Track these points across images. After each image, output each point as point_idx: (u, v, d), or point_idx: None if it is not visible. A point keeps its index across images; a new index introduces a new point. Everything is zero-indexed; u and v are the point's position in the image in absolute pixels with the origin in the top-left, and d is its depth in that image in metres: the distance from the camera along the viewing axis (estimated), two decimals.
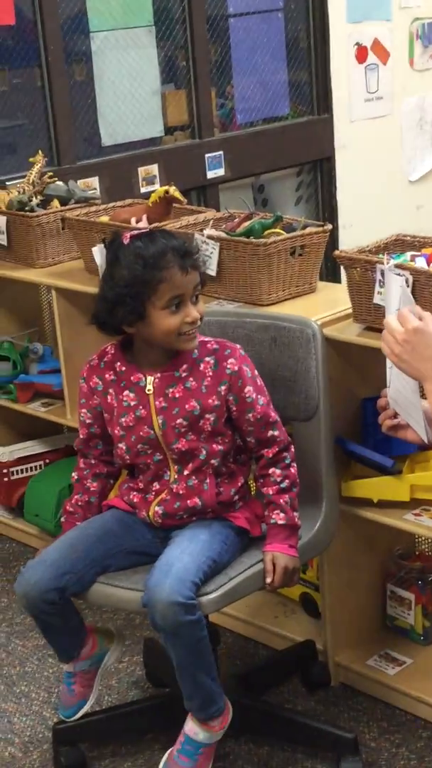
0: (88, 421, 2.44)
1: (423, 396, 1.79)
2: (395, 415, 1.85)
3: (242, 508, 2.43)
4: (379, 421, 1.88)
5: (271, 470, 2.40)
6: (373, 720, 2.71)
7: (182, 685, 2.30)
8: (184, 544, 2.30)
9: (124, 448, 2.38)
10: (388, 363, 1.84)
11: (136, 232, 2.34)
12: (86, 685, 2.49)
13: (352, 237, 4.61)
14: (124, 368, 2.37)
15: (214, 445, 2.36)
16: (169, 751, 2.36)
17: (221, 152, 4.42)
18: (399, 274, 1.91)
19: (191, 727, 2.33)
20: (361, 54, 4.82)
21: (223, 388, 2.34)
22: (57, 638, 2.45)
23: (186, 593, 2.18)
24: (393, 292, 1.85)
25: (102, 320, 2.34)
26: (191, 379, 2.34)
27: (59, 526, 2.56)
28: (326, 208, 4.96)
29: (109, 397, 2.39)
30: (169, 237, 2.33)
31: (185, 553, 2.26)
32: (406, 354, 1.70)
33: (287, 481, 2.40)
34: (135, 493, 2.43)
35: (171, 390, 2.34)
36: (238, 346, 2.39)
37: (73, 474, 2.51)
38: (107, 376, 2.39)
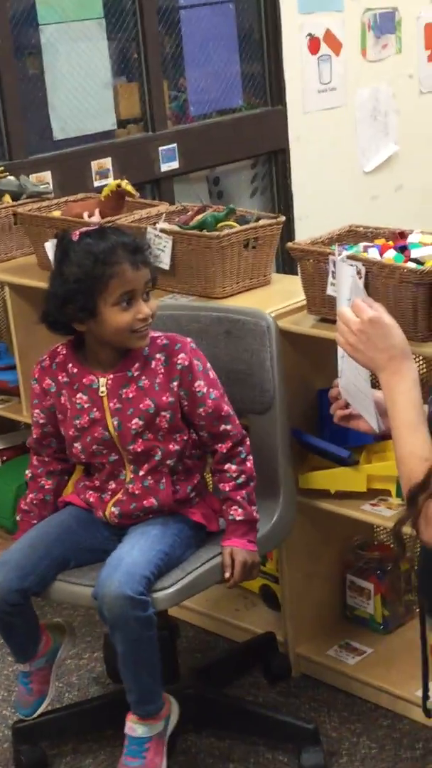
0: (41, 421, 2.43)
1: (375, 386, 1.80)
2: (347, 406, 1.86)
3: (199, 503, 2.43)
4: (330, 411, 1.88)
5: (226, 466, 2.39)
6: (333, 710, 2.72)
7: (123, 677, 2.31)
8: (134, 539, 2.30)
9: (79, 447, 2.36)
10: (340, 353, 1.84)
11: (85, 228, 2.32)
12: (43, 681, 2.49)
13: (308, 228, 4.61)
14: (76, 370, 2.35)
15: (171, 445, 2.35)
16: (120, 761, 2.35)
17: (175, 145, 4.40)
18: (351, 265, 1.91)
19: (129, 726, 2.32)
20: (314, 45, 4.81)
21: (175, 383, 2.33)
22: (16, 639, 2.44)
23: (135, 587, 2.18)
24: (344, 283, 1.85)
25: (52, 318, 2.32)
26: (143, 377, 2.33)
27: (17, 524, 2.54)
28: (281, 200, 4.96)
29: (62, 398, 2.37)
30: (119, 233, 2.32)
31: (135, 548, 2.26)
32: (361, 344, 1.71)
33: (243, 476, 2.39)
34: (91, 492, 2.42)
35: (124, 390, 2.32)
36: (188, 339, 2.38)
37: (27, 472, 2.49)
38: (60, 377, 2.37)
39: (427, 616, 1.79)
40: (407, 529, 1.64)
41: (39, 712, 2.50)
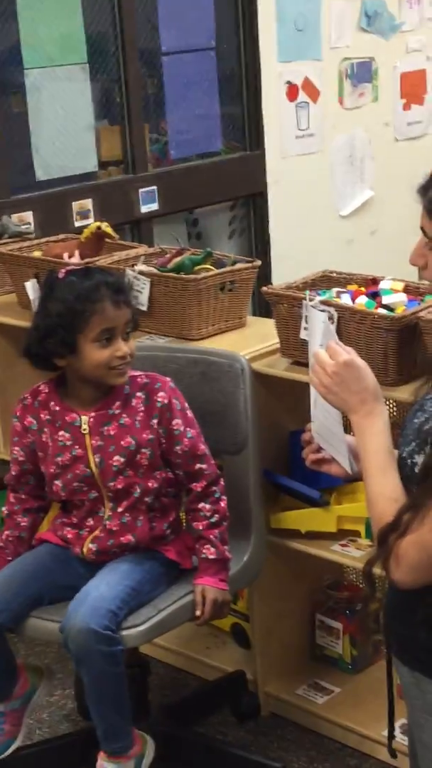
0: (21, 458, 2.46)
1: (348, 431, 1.84)
2: (319, 450, 1.90)
3: (174, 541, 2.47)
4: (303, 455, 1.92)
5: (200, 505, 2.43)
6: (302, 749, 2.74)
7: (90, 711, 2.33)
8: (104, 574, 2.34)
9: (60, 485, 2.40)
10: (312, 397, 1.89)
11: (72, 267, 2.38)
12: (16, 723, 2.49)
13: (285, 270, 4.68)
14: (58, 408, 2.39)
15: (150, 482, 2.39)
16: None
17: (155, 187, 4.47)
18: (322, 310, 1.96)
19: (100, 764, 2.34)
20: (292, 92, 4.90)
21: (155, 421, 2.37)
22: None
23: (100, 621, 2.21)
24: (316, 328, 1.90)
25: (34, 352, 2.36)
26: (124, 415, 2.37)
27: None
28: (259, 242, 5.03)
29: (43, 435, 2.41)
30: (104, 273, 2.39)
31: (103, 583, 2.30)
32: (336, 386, 1.75)
33: (217, 515, 2.43)
34: (69, 528, 2.45)
35: (106, 428, 2.36)
36: (168, 379, 2.44)
37: (3, 509, 2.53)
38: (42, 415, 2.41)
39: (393, 656, 1.82)
40: (377, 570, 1.68)
41: (8, 753, 2.50)
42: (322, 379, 1.76)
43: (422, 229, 1.67)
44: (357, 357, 1.77)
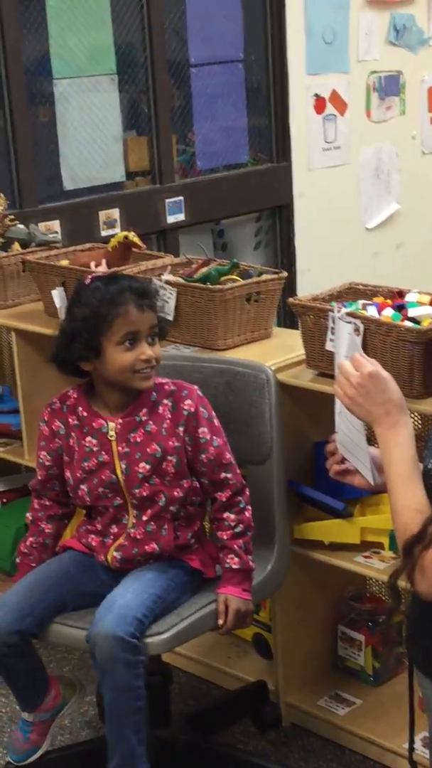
0: (47, 463, 2.48)
1: (371, 443, 1.85)
2: (343, 461, 1.90)
3: (197, 550, 2.47)
4: (327, 466, 1.93)
5: (225, 515, 2.44)
6: (323, 760, 2.74)
7: (107, 733, 2.31)
8: (129, 582, 2.35)
9: (85, 490, 2.41)
10: (337, 408, 1.89)
11: (98, 273, 2.41)
12: (42, 733, 2.50)
13: (310, 282, 4.70)
14: (85, 414, 2.41)
15: (175, 491, 2.39)
16: None
17: (181, 198, 4.50)
18: (348, 322, 1.97)
19: None
20: (320, 105, 4.92)
21: (181, 429, 2.38)
22: (18, 685, 2.47)
23: (127, 628, 2.21)
24: (342, 339, 1.91)
25: (60, 357, 2.38)
26: (151, 422, 2.38)
27: (15, 566, 2.59)
28: (285, 254, 5.05)
29: (71, 440, 2.43)
30: (129, 279, 2.42)
31: (129, 591, 2.30)
32: (360, 397, 1.75)
33: (241, 525, 2.44)
34: (93, 536, 2.46)
35: (132, 435, 2.38)
36: (195, 387, 2.44)
37: (28, 515, 2.54)
38: (70, 420, 2.43)
39: (416, 668, 1.82)
40: (402, 582, 1.68)
41: (30, 761, 2.51)
42: (346, 390, 1.77)
43: None
44: (381, 369, 1.78)
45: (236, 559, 2.42)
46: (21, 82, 4.01)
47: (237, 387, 2.62)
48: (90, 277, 2.41)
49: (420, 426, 2.73)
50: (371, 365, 1.76)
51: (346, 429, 1.86)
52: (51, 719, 2.52)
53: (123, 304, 2.31)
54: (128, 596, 2.29)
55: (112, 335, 2.31)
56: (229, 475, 2.43)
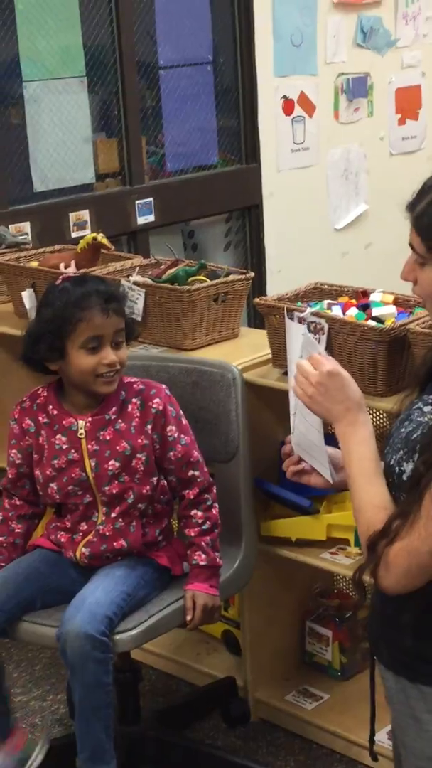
0: (18, 461, 2.50)
1: (329, 438, 1.87)
2: (300, 461, 1.92)
3: (165, 547, 2.50)
4: (283, 468, 1.95)
5: (192, 512, 2.47)
6: (290, 754, 2.78)
7: (77, 729, 2.33)
8: (99, 580, 2.37)
9: (55, 488, 2.44)
10: (292, 409, 1.91)
11: (70, 274, 2.43)
12: None
13: (280, 282, 4.73)
14: (56, 412, 2.44)
15: (144, 489, 2.42)
16: None
17: (151, 199, 4.52)
18: (304, 321, 1.98)
19: None
20: (288, 106, 4.96)
21: (149, 426, 2.41)
22: None
23: (98, 626, 2.24)
24: (293, 339, 1.91)
25: (28, 356, 2.41)
26: (120, 420, 2.41)
27: None
28: (254, 254, 5.07)
29: (40, 438, 2.45)
30: (98, 282, 2.43)
31: (99, 588, 2.33)
32: (320, 396, 1.76)
33: (209, 522, 2.47)
34: (62, 533, 2.48)
35: (102, 433, 2.40)
36: (163, 386, 2.48)
37: None
38: (40, 418, 2.45)
39: (378, 661, 1.85)
40: (366, 577, 1.71)
41: None
42: (306, 389, 1.78)
43: (411, 245, 1.70)
44: (340, 367, 1.80)
45: (203, 556, 2.45)
46: None
47: (204, 386, 2.66)
48: (61, 278, 2.44)
49: (386, 423, 2.77)
50: (330, 363, 1.78)
51: (303, 429, 1.88)
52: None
53: (88, 308, 2.33)
54: (98, 594, 2.32)
55: (76, 338, 2.34)
56: (196, 473, 2.47)
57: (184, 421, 2.47)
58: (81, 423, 2.41)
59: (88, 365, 2.34)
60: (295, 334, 1.85)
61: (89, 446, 2.40)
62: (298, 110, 4.99)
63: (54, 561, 2.48)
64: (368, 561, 1.65)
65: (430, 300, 1.73)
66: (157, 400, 2.43)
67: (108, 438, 2.40)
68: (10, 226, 3.77)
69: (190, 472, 2.46)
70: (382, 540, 1.63)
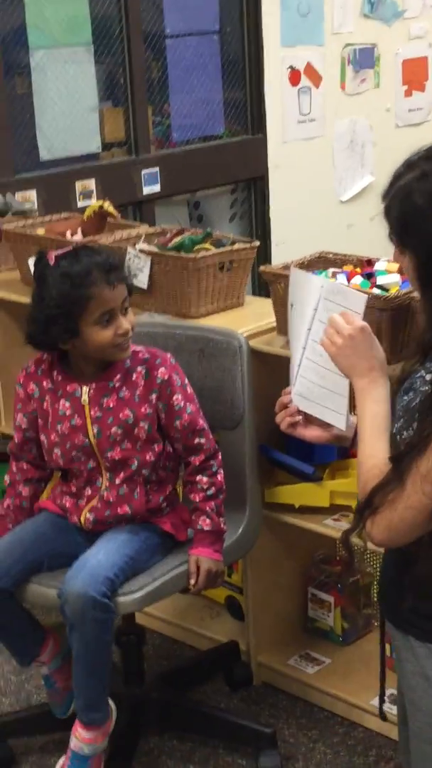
0: (24, 426, 2.52)
1: None
2: (297, 414, 1.95)
3: (169, 513, 2.53)
4: (277, 419, 1.98)
5: (198, 477, 2.49)
6: (292, 717, 2.82)
7: (74, 680, 2.39)
8: (102, 543, 2.41)
9: (59, 453, 2.46)
10: (296, 361, 1.93)
11: (60, 251, 2.40)
12: (67, 677, 2.50)
13: (285, 253, 4.72)
14: (60, 377, 2.46)
15: (147, 455, 2.44)
16: (59, 764, 2.43)
17: (157, 169, 4.52)
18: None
19: (75, 743, 2.39)
20: (295, 77, 4.95)
21: (153, 396, 2.43)
22: (10, 640, 2.52)
23: (98, 588, 2.27)
24: (308, 292, 1.91)
25: (37, 340, 2.42)
26: (124, 388, 2.43)
27: None
28: (259, 226, 5.08)
29: (45, 404, 2.47)
30: (92, 253, 2.39)
31: (101, 551, 2.36)
32: (349, 348, 1.79)
33: (213, 488, 2.49)
34: (67, 497, 2.51)
35: (105, 400, 2.42)
36: (168, 354, 2.49)
37: (6, 478, 2.59)
38: (44, 383, 2.47)
39: (387, 620, 1.88)
40: (357, 540, 1.74)
41: (73, 707, 2.48)
42: (336, 340, 1.81)
43: (390, 239, 1.74)
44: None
45: (208, 521, 2.48)
46: None
47: (210, 354, 2.68)
48: (53, 255, 2.39)
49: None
50: (362, 322, 1.81)
51: (315, 378, 1.90)
52: (67, 663, 2.49)
53: (94, 284, 2.32)
54: (100, 556, 2.35)
55: (89, 316, 2.34)
56: (202, 441, 2.49)
57: (190, 389, 2.49)
58: (85, 389, 2.43)
59: (104, 339, 2.35)
60: (308, 287, 1.87)
61: (92, 412, 2.42)
62: (304, 81, 4.99)
63: (60, 525, 2.51)
64: (356, 522, 1.69)
65: (414, 285, 1.75)
66: (162, 369, 2.44)
67: (111, 405, 2.42)
68: (16, 194, 3.78)
69: (196, 440, 2.48)
70: (366, 509, 1.66)
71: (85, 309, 2.33)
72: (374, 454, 1.71)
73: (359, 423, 1.77)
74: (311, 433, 1.93)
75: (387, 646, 2.34)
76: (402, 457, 1.64)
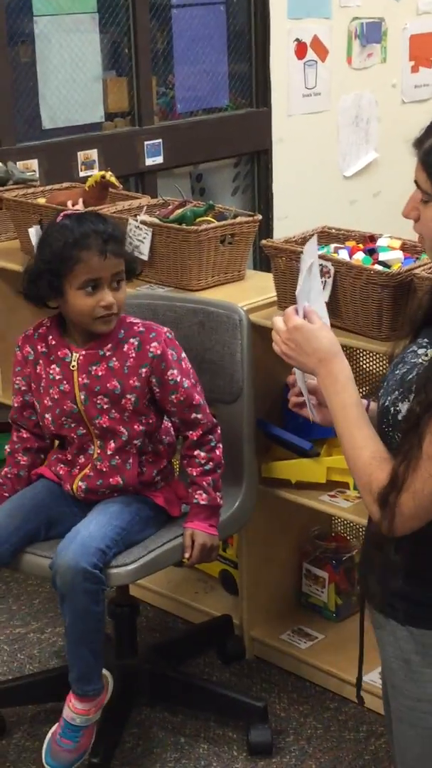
0: (23, 388, 2.52)
1: None
2: (301, 393, 1.94)
3: (163, 488, 2.52)
4: (288, 396, 1.97)
5: (195, 452, 2.48)
6: (284, 691, 2.83)
7: (67, 652, 2.38)
8: (93, 514, 2.40)
9: (49, 418, 2.46)
10: None
11: (71, 211, 2.41)
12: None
13: (287, 228, 4.70)
14: (54, 342, 2.45)
15: (136, 426, 2.43)
16: (51, 731, 2.41)
17: (160, 140, 4.50)
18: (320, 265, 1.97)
19: (68, 713, 2.39)
20: (301, 50, 4.91)
21: (144, 370, 2.41)
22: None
23: (89, 559, 2.27)
24: (314, 284, 1.90)
25: (26, 291, 2.42)
26: (114, 358, 2.42)
27: None
28: (262, 200, 5.06)
29: (38, 367, 2.47)
30: (97, 221, 2.39)
31: (92, 523, 2.36)
32: (292, 351, 1.78)
33: (211, 463, 2.49)
34: (62, 465, 2.51)
35: (94, 368, 2.41)
36: (164, 329, 2.47)
37: (6, 447, 2.59)
38: (39, 347, 2.47)
39: (368, 603, 1.87)
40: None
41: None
42: (281, 347, 1.80)
43: (416, 182, 1.69)
44: (316, 317, 1.77)
45: (204, 495, 2.47)
46: (1, 20, 3.98)
47: (210, 327, 2.66)
48: (62, 214, 2.42)
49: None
50: (297, 319, 1.77)
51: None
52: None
53: (86, 249, 2.32)
54: (92, 528, 2.35)
55: (74, 279, 2.33)
56: (199, 416, 2.47)
57: (186, 364, 2.47)
58: (75, 355, 2.42)
59: (85, 306, 2.35)
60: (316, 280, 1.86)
61: (80, 379, 2.41)
62: (310, 54, 4.95)
63: (57, 494, 2.50)
64: (383, 515, 1.64)
65: (431, 238, 1.72)
66: (155, 344, 2.41)
67: (100, 374, 2.41)
68: (18, 163, 3.75)
69: (193, 415, 2.47)
70: (393, 491, 1.63)
71: (71, 271, 2.32)
72: (363, 445, 1.68)
73: (333, 417, 1.73)
74: (317, 415, 1.91)
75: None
76: (416, 426, 1.61)
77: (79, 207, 3.10)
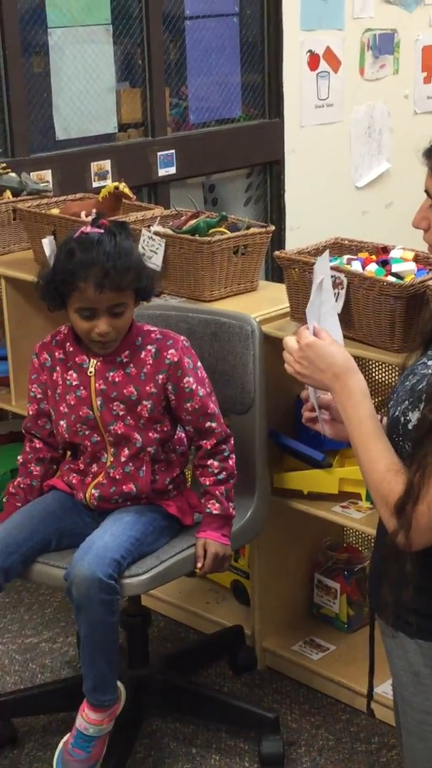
0: (38, 396, 2.53)
1: None
2: (314, 408, 1.94)
3: (176, 497, 2.52)
4: (302, 410, 1.97)
5: (209, 462, 2.49)
6: (295, 702, 2.82)
7: (81, 662, 2.39)
8: (108, 524, 2.41)
9: (64, 425, 2.47)
10: None
11: (90, 229, 2.39)
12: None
13: (299, 239, 4.72)
14: (72, 349, 2.47)
15: (151, 434, 2.44)
16: (63, 741, 2.42)
17: (173, 151, 4.52)
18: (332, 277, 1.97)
19: (81, 723, 2.39)
20: (313, 61, 4.93)
21: (161, 377, 2.43)
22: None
23: (105, 570, 2.28)
24: (327, 298, 1.90)
25: (39, 289, 2.45)
26: (132, 365, 2.43)
27: (1, 505, 2.64)
28: (274, 210, 5.07)
29: (55, 374, 2.48)
30: (109, 245, 2.33)
31: (107, 533, 2.36)
32: (305, 369, 1.78)
33: (224, 473, 2.49)
34: (75, 474, 2.51)
35: (111, 374, 2.43)
36: (182, 337, 2.48)
37: (19, 457, 2.60)
38: (56, 354, 2.49)
39: (378, 616, 1.86)
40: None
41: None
42: (293, 366, 1.79)
43: (426, 191, 1.70)
44: (326, 334, 1.77)
45: (217, 505, 2.47)
46: (16, 31, 4.01)
47: (222, 338, 2.67)
48: (82, 230, 2.40)
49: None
50: (309, 336, 1.76)
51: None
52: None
53: (83, 279, 2.32)
54: (106, 538, 2.35)
55: (72, 303, 2.37)
56: (213, 425, 2.48)
57: (201, 372, 2.48)
58: (92, 362, 2.43)
59: (81, 328, 2.38)
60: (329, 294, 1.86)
61: (97, 384, 2.42)
62: (323, 65, 4.97)
63: (69, 504, 2.51)
64: (399, 526, 1.63)
65: None
66: (172, 351, 2.43)
67: (117, 380, 2.42)
68: (31, 174, 3.77)
69: (207, 424, 2.48)
70: (409, 501, 1.62)
71: (69, 296, 2.36)
72: (378, 458, 1.67)
73: (349, 432, 1.73)
74: (330, 429, 1.91)
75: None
76: (429, 432, 1.60)
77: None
